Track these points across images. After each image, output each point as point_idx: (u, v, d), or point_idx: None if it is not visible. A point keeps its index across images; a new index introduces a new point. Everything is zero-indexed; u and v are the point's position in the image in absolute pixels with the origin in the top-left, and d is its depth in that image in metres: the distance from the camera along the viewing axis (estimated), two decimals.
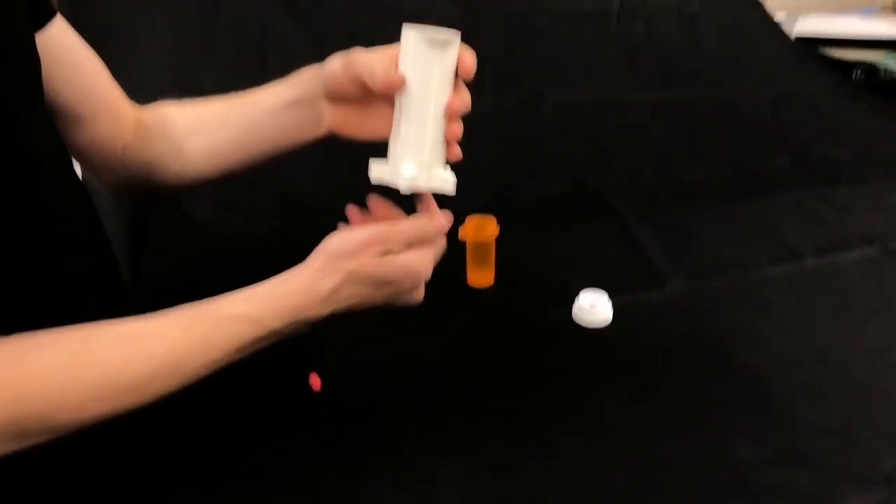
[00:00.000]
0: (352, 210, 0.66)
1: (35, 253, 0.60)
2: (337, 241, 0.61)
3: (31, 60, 0.62)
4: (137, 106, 0.77)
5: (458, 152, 0.65)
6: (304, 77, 0.69)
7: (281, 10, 1.28)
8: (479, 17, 1.40)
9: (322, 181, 1.12)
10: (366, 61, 0.62)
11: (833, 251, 0.94)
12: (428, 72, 0.61)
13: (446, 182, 0.63)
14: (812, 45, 1.68)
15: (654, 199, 1.11)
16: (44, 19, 0.67)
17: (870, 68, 1.57)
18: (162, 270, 0.94)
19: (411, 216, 0.64)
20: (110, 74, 0.75)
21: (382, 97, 0.66)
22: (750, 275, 0.90)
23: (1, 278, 0.56)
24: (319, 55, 1.19)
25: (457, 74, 0.62)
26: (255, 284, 0.61)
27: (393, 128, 0.64)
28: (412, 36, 0.60)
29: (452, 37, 0.60)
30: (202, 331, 0.57)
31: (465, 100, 0.63)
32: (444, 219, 0.64)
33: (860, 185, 1.13)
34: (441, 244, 0.65)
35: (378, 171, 0.64)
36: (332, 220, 1.03)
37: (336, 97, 0.67)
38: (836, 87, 1.48)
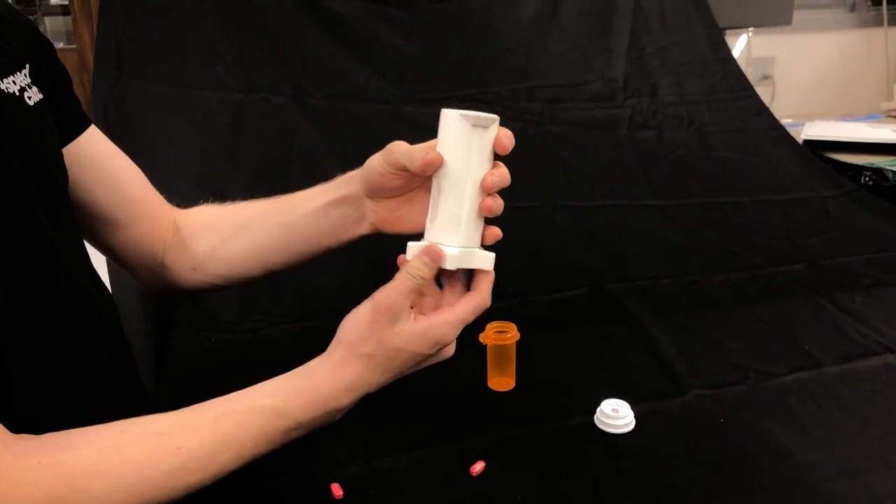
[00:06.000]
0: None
1: (58, 363, 0.61)
2: (348, 328, 0.62)
3: (58, 172, 0.64)
4: (176, 209, 0.80)
5: (496, 233, 0.66)
6: (347, 177, 0.72)
7: (305, 118, 1.34)
8: None
9: (344, 281, 1.14)
10: (404, 147, 0.65)
11: (852, 359, 0.94)
12: (466, 151, 0.62)
13: (486, 259, 0.65)
14: (819, 149, 1.72)
15: (671, 304, 1.12)
16: (78, 128, 0.71)
17: (878, 172, 1.60)
18: (183, 372, 0.95)
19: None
20: (147, 180, 0.78)
21: (421, 187, 0.69)
22: (769, 383, 0.89)
23: (24, 388, 0.57)
24: (342, 163, 1.24)
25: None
26: (282, 375, 0.61)
27: (430, 208, 0.65)
28: (451, 116, 0.62)
29: (491, 120, 0.62)
30: (229, 426, 0.58)
31: (501, 175, 0.64)
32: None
33: (875, 290, 1.14)
34: (463, 309, 0.64)
35: (419, 250, 0.64)
36: None
37: (377, 192, 0.70)
38: (846, 192, 1.51)
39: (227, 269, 0.77)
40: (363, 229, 0.72)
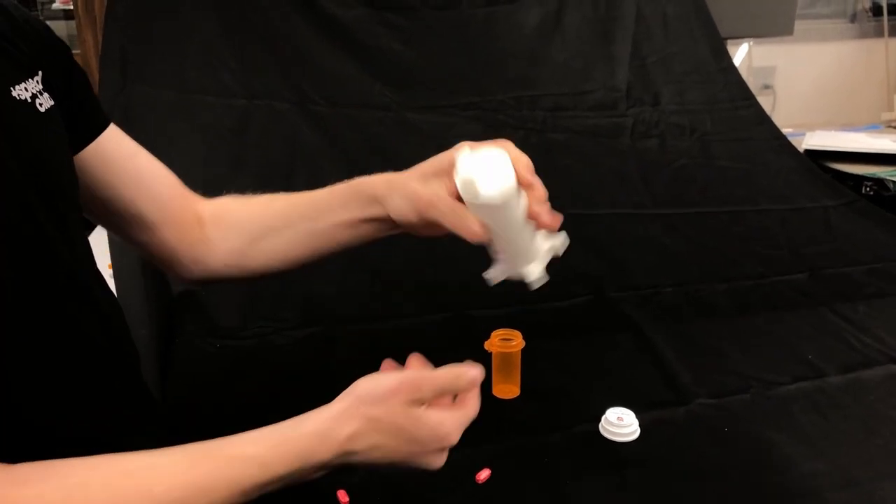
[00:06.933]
0: (388, 363, 0.65)
1: (62, 369, 0.61)
2: (366, 385, 0.59)
3: (65, 177, 0.64)
4: (202, 199, 0.80)
5: (553, 221, 0.65)
6: (376, 196, 0.70)
7: (308, 125, 1.34)
8: (498, 133, 1.45)
9: (346, 288, 1.14)
10: (440, 210, 0.63)
11: (855, 369, 0.94)
12: (495, 215, 0.62)
13: (558, 246, 0.68)
14: (820, 159, 1.72)
15: (673, 312, 1.12)
16: (98, 128, 0.71)
17: (879, 183, 1.61)
18: (188, 377, 0.95)
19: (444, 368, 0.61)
20: (171, 174, 0.78)
21: None
22: (773, 392, 0.90)
23: (27, 394, 0.57)
24: (345, 168, 1.24)
25: None
26: (274, 424, 0.58)
27: (493, 242, 0.65)
28: (467, 193, 0.61)
29: (505, 186, 0.60)
30: (203, 471, 0.54)
31: (538, 198, 0.63)
32: (477, 370, 0.62)
33: (877, 300, 1.14)
34: (474, 407, 0.62)
35: (500, 273, 0.67)
36: (354, 327, 1.06)
37: (408, 228, 0.70)
38: (847, 202, 1.52)
39: (258, 267, 0.78)
40: (392, 233, 0.73)
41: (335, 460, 0.57)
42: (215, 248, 0.77)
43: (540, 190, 0.64)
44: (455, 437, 0.60)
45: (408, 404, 0.58)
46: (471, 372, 0.61)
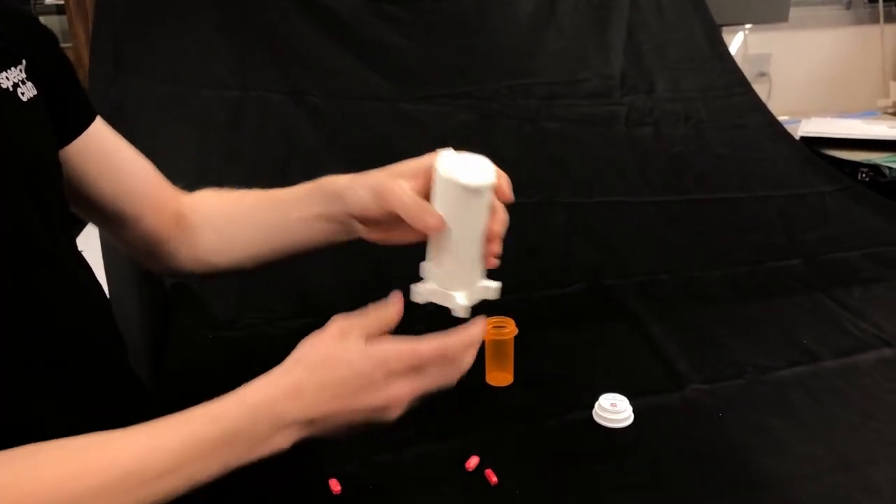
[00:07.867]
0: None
1: (49, 361, 0.60)
2: (308, 341, 0.60)
3: (49, 167, 0.64)
4: (181, 194, 0.80)
5: (494, 262, 0.65)
6: (334, 193, 0.70)
7: (303, 116, 1.34)
8: (492, 122, 1.46)
9: (342, 279, 1.14)
10: (399, 198, 0.62)
11: (850, 353, 0.94)
12: (464, 208, 0.60)
13: (491, 290, 0.65)
14: (816, 145, 1.72)
15: (669, 300, 1.12)
16: (85, 122, 0.70)
17: (875, 169, 1.60)
18: (181, 369, 0.95)
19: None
20: (152, 169, 0.78)
21: None
22: (768, 377, 0.90)
23: (15, 387, 0.57)
24: (340, 160, 1.22)
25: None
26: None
27: (432, 249, 0.63)
28: (446, 181, 0.59)
29: (486, 180, 0.59)
30: (160, 433, 0.54)
31: (502, 221, 0.63)
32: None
33: (873, 285, 1.14)
34: (460, 361, 0.61)
35: (426, 293, 0.64)
36: None
37: (365, 221, 0.68)
38: (843, 188, 1.51)
39: (225, 262, 0.78)
40: (352, 238, 0.71)
41: (292, 411, 0.57)
42: (188, 245, 0.78)
43: (503, 216, 0.63)
44: (395, 363, 0.57)
45: (341, 338, 0.58)
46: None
